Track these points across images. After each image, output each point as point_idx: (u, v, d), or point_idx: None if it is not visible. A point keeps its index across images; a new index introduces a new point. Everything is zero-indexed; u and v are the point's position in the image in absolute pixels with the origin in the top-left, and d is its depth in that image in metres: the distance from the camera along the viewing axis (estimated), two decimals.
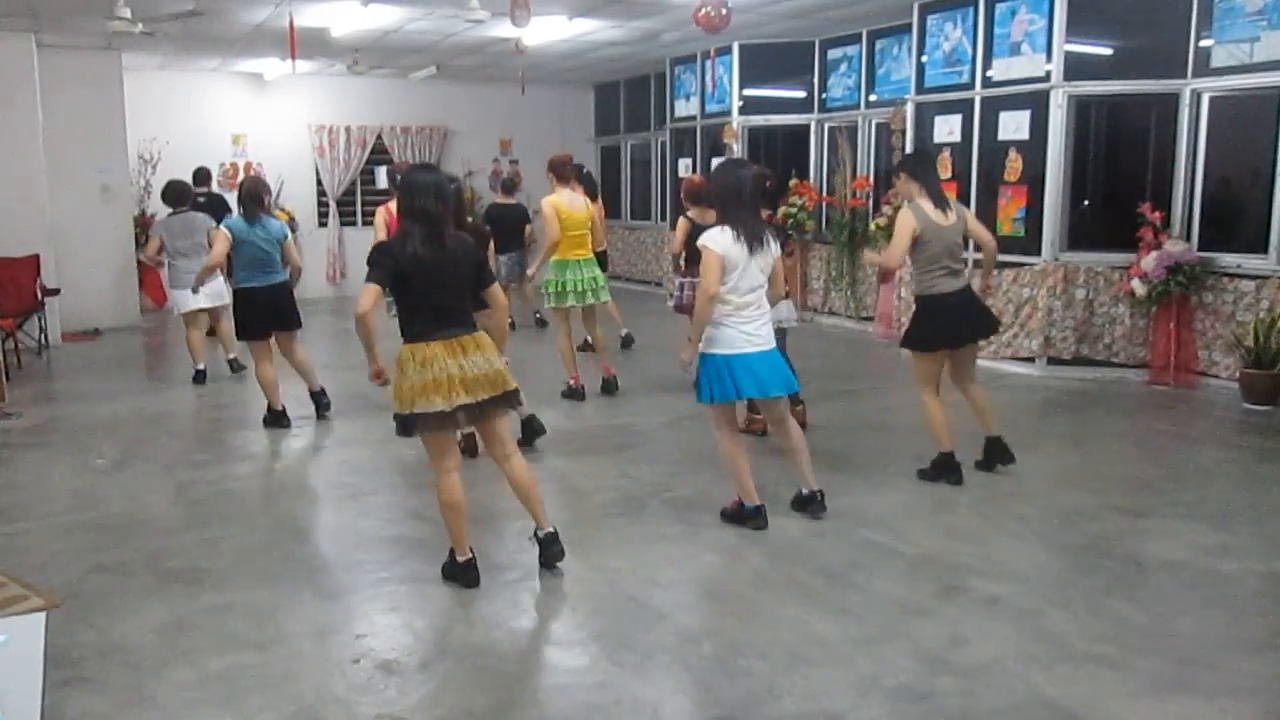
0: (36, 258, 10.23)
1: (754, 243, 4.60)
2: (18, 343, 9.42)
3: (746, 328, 4.65)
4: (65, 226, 10.88)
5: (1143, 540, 4.69)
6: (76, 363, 9.66)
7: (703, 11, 8.17)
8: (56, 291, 10.34)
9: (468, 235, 4.43)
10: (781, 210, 11.26)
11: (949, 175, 9.12)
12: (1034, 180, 8.37)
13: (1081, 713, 3.16)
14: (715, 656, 3.57)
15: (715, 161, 12.34)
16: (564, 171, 7.54)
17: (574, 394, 7.61)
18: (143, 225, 12.37)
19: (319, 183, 14.53)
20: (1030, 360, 8.48)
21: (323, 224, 14.60)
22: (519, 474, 4.33)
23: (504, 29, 9.86)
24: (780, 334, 6.05)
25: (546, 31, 10.39)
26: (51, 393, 8.42)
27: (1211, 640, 3.66)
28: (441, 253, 4.07)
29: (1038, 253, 8.34)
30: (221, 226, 7.09)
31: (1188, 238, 7.86)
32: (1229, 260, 7.65)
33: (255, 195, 6.99)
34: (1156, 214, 7.82)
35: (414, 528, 4.95)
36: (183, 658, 3.59)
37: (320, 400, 7.26)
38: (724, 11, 8.19)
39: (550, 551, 4.33)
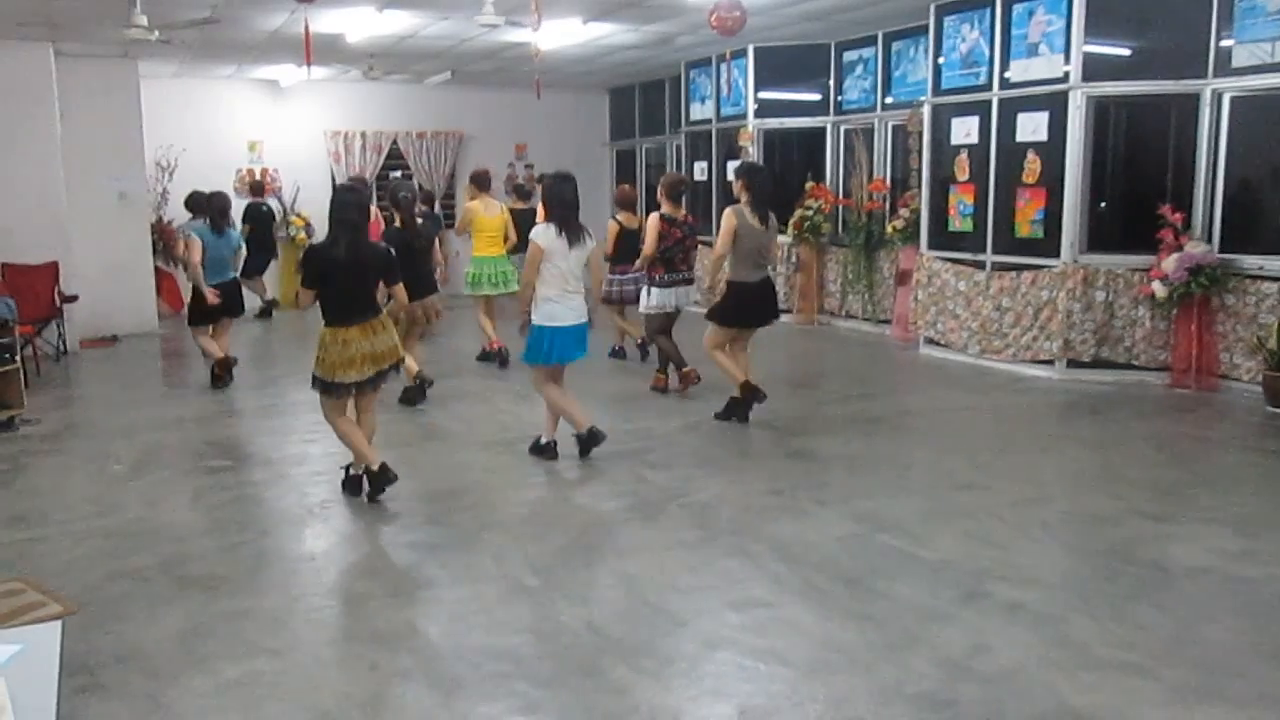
0: (55, 265, 10.28)
1: (573, 238, 5.77)
2: (36, 349, 9.47)
3: (570, 303, 5.83)
4: (83, 234, 10.92)
5: (1166, 545, 4.63)
6: (94, 369, 9.70)
7: (716, 15, 8.15)
8: (74, 298, 10.38)
9: (380, 244, 5.94)
10: (798, 213, 11.25)
11: (966, 177, 9.08)
12: (1053, 182, 8.30)
13: None
14: (735, 663, 3.54)
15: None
16: (483, 182, 9.22)
17: (487, 357, 9.13)
18: (160, 232, 12.44)
19: (334, 188, 14.55)
20: (1050, 363, 8.41)
21: None
22: (368, 424, 5.54)
23: (518, 34, 9.86)
24: (676, 313, 7.83)
25: (561, 35, 10.39)
26: (69, 399, 8.46)
27: (1238, 647, 3.61)
28: (357, 257, 5.19)
29: (1057, 255, 8.27)
30: (193, 234, 8.25)
31: (1209, 239, 7.78)
32: (1251, 262, 7.57)
33: (223, 210, 8.33)
34: (1177, 215, 7.75)
35: (430, 533, 4.94)
36: (200, 664, 3.59)
37: (222, 372, 8.47)
38: (738, 14, 8.17)
39: (349, 487, 5.49)
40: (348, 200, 5.30)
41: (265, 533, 5.04)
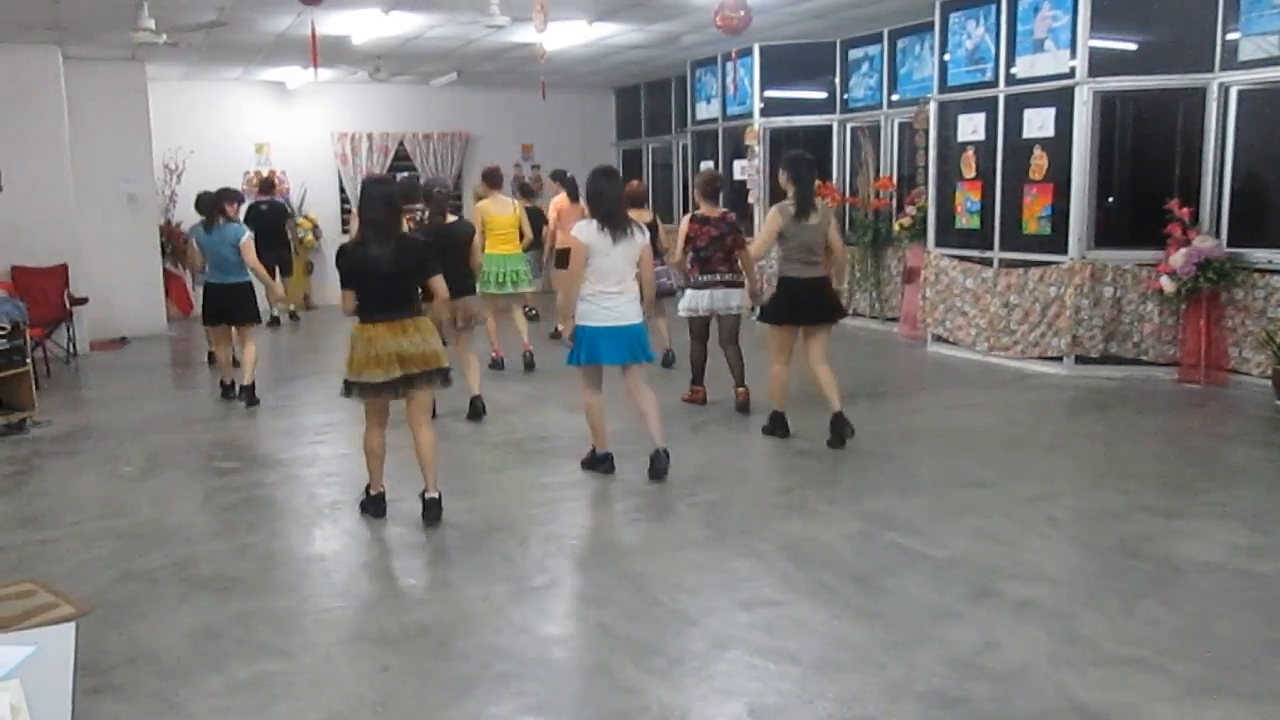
0: (64, 267, 10.34)
1: (616, 234, 5.49)
2: (47, 351, 9.51)
3: (610, 303, 5.52)
4: (92, 236, 10.97)
5: (1176, 541, 4.63)
6: (104, 371, 9.74)
7: (722, 14, 8.15)
8: (84, 300, 10.44)
9: (416, 234, 5.65)
10: None
11: (973, 174, 9.06)
12: (1060, 178, 8.28)
13: (1117, 717, 3.11)
14: (744, 662, 3.54)
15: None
16: (494, 180, 9.21)
17: (496, 365, 8.97)
18: (168, 234, 12.48)
19: (342, 190, 14.58)
20: (1058, 359, 8.39)
21: (345, 231, 14.59)
22: (425, 441, 5.11)
23: (524, 34, 9.87)
24: (733, 319, 7.30)
25: (567, 36, 10.39)
26: (80, 401, 8.50)
27: (1248, 642, 3.60)
28: (388, 251, 4.90)
29: (1064, 251, 8.25)
30: (192, 236, 8.17)
31: (1217, 233, 7.76)
32: (1259, 255, 7.54)
33: (212, 204, 7.89)
34: (1185, 210, 7.72)
35: (441, 534, 4.95)
36: (211, 665, 3.60)
37: (246, 394, 7.87)
38: (743, 13, 8.17)
39: (429, 513, 5.06)
40: (374, 194, 5.00)
41: (276, 534, 5.06)
